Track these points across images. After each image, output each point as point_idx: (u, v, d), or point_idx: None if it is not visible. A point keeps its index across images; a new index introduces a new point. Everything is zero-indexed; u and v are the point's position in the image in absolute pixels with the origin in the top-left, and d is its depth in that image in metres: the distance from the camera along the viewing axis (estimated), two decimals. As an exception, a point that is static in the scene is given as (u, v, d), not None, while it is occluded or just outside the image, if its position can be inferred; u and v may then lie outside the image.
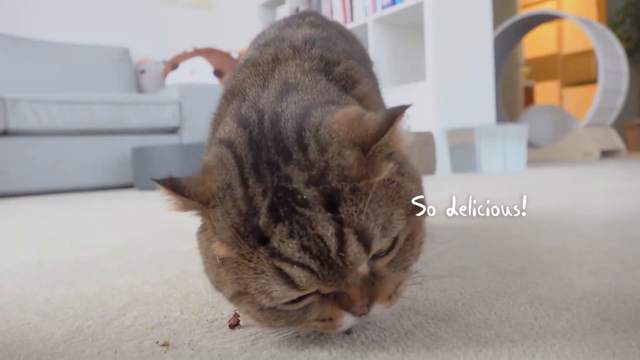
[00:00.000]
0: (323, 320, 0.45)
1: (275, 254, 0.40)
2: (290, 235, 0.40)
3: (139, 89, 4.08)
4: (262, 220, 0.40)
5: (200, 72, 3.80)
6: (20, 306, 0.67)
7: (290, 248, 0.40)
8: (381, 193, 0.42)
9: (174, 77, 3.82)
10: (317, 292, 0.43)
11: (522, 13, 5.30)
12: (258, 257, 0.41)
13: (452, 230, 1.11)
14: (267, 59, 0.58)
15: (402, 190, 0.44)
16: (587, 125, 4.40)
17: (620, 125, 5.42)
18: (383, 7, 3.41)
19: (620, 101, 4.49)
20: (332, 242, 0.39)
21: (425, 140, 3.00)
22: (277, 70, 0.56)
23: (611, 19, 6.43)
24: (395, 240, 0.44)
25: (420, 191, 0.48)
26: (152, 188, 3.10)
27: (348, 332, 0.50)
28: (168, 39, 4.33)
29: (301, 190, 0.40)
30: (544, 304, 0.56)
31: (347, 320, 0.44)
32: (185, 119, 3.53)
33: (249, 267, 0.41)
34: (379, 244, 0.42)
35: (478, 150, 3.06)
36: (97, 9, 4.13)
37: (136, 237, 1.25)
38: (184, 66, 3.84)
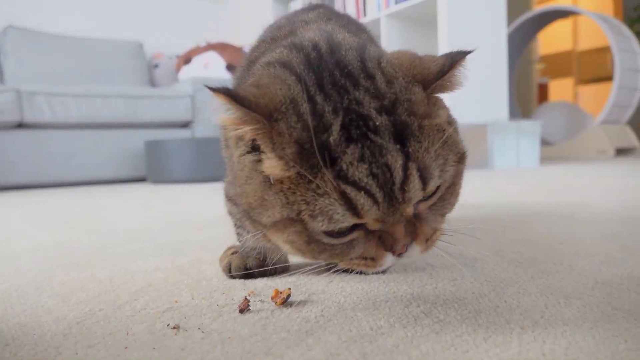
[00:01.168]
0: (365, 258, 0.45)
1: (342, 176, 0.39)
2: (362, 158, 0.39)
3: (152, 83, 4.11)
4: (334, 137, 0.39)
5: (213, 66, 3.82)
6: (35, 288, 0.68)
7: (360, 172, 0.39)
8: (439, 136, 0.42)
9: (187, 72, 3.84)
10: (363, 227, 0.43)
11: (537, 8, 5.23)
12: (322, 177, 0.39)
13: (463, 221, 1.10)
14: (284, 33, 0.59)
15: (452, 138, 0.44)
16: (602, 123, 4.34)
17: (635, 123, 5.34)
18: (396, 2, 3.39)
19: (636, 98, 4.43)
20: (398, 174, 0.40)
21: (437, 135, 2.98)
22: (298, 32, 0.56)
23: (628, 15, 6.34)
24: (438, 185, 0.44)
25: (462, 142, 0.48)
26: (164, 181, 3.13)
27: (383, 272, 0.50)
28: (181, 33, 4.35)
29: (373, 116, 0.40)
30: (555, 293, 0.56)
31: (388, 260, 0.44)
32: (198, 113, 3.55)
33: (308, 188, 0.40)
34: (435, 184, 0.42)
35: (491, 146, 3.04)
36: (112, 3, 4.16)
37: (149, 226, 1.26)
38: (196, 60, 3.86)
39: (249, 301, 0.56)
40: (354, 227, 0.43)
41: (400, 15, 3.44)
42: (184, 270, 0.76)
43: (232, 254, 0.71)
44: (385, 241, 0.43)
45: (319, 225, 0.41)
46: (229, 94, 0.41)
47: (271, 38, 0.60)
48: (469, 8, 3.18)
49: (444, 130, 0.43)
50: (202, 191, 2.40)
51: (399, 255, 0.44)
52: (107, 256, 0.90)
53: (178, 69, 3.98)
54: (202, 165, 3.05)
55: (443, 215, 0.46)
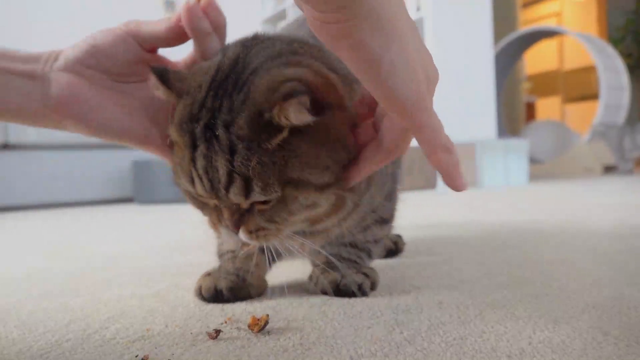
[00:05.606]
0: (211, 222, 0.55)
1: (193, 160, 0.49)
2: (205, 156, 0.49)
3: (141, 103, 4.09)
4: (199, 130, 0.49)
5: (201, 86, 3.81)
6: (1, 319, 0.65)
7: (200, 164, 0.49)
8: (267, 159, 0.48)
9: (175, 92, 3.83)
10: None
11: (523, 29, 5.32)
12: (185, 151, 0.50)
13: (452, 241, 1.08)
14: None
15: (283, 162, 0.49)
16: (589, 141, 4.38)
17: (622, 141, 5.39)
18: (384, 23, 3.42)
19: (621, 116, 4.48)
20: (223, 179, 0.49)
21: (426, 154, 2.98)
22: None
23: (612, 35, 6.46)
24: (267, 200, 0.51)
25: (315, 165, 0.51)
26: (152, 202, 3.09)
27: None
28: (171, 52, 4.34)
29: (219, 126, 0.48)
30: (544, 317, 0.54)
31: (224, 230, 0.53)
32: (186, 133, 3.53)
33: (179, 153, 0.51)
34: (257, 197, 0.49)
35: (479, 164, 3.04)
36: (101, 22, 4.15)
37: (130, 251, 1.23)
38: (185, 81, 3.85)
39: (221, 331, 0.53)
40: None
41: (388, 36, 3.47)
42: (161, 296, 0.73)
43: (206, 276, 0.69)
44: (217, 215, 0.53)
45: (178, 179, 0.53)
46: (160, 76, 0.51)
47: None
48: (456, 28, 3.22)
49: (278, 153, 0.48)
50: (188, 212, 2.37)
51: (235, 233, 0.52)
52: (83, 283, 0.86)
53: (167, 89, 3.97)
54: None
55: (271, 221, 0.52)
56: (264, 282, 0.71)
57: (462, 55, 3.25)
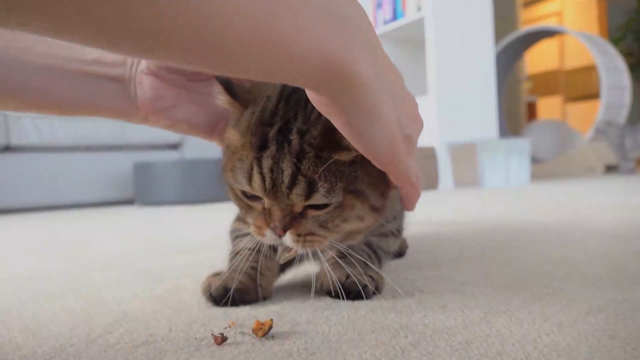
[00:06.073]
0: (257, 226, 0.57)
1: (258, 159, 0.53)
2: (272, 157, 0.53)
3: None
4: (272, 134, 0.53)
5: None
6: (4, 322, 0.65)
7: (266, 164, 0.53)
8: (335, 168, 0.53)
9: (176, 93, 3.83)
10: (262, 203, 0.56)
11: (524, 29, 5.31)
12: (249, 152, 0.54)
13: (453, 242, 1.08)
14: None
15: (354, 174, 0.55)
16: (591, 140, 4.38)
17: (623, 140, 5.38)
18: (385, 23, 3.42)
19: (623, 115, 4.48)
20: (287, 178, 0.53)
21: (427, 154, 2.98)
22: None
23: (612, 34, 6.45)
24: (327, 204, 0.55)
25: (359, 178, 0.56)
26: (153, 204, 3.09)
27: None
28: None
29: (293, 133, 0.53)
30: (548, 320, 0.54)
31: (269, 234, 0.56)
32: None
33: (239, 152, 0.55)
34: (318, 199, 0.54)
35: (480, 164, 3.04)
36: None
37: (131, 252, 1.23)
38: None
39: (226, 337, 0.53)
40: (258, 199, 0.56)
41: (389, 36, 3.47)
42: (163, 298, 0.73)
43: (214, 276, 0.69)
44: (266, 217, 0.56)
45: (229, 177, 0.57)
46: (225, 86, 0.55)
47: None
48: (456, 29, 3.22)
49: (348, 164, 0.54)
50: (190, 213, 2.37)
51: (279, 236, 0.56)
52: (84, 285, 0.86)
53: (167, 90, 3.97)
54: (191, 187, 3.02)
55: (323, 227, 0.57)
56: (272, 288, 0.71)
57: (463, 55, 3.24)
